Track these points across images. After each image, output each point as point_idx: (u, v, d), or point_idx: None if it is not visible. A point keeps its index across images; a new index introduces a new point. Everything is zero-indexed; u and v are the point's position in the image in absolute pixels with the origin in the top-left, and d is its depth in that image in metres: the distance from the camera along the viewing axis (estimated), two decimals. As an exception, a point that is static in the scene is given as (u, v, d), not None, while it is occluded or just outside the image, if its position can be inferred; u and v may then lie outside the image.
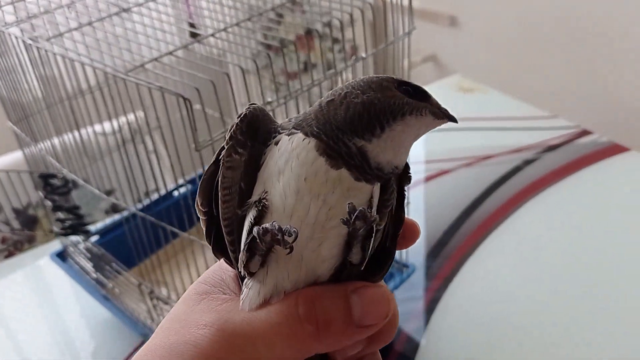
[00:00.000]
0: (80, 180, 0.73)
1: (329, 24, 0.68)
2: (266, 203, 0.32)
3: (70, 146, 0.78)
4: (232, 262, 0.34)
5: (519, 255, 1.05)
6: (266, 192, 0.32)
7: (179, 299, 0.34)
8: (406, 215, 0.35)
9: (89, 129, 0.80)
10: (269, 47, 0.76)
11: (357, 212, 0.30)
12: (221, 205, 0.33)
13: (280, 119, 0.36)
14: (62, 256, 0.98)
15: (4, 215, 1.24)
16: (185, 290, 0.34)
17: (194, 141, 0.52)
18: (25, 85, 0.76)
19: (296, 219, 0.31)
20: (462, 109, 1.49)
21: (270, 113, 0.35)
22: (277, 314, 0.31)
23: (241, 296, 0.32)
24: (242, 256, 0.31)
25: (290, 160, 0.32)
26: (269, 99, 0.58)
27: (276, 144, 0.33)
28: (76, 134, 0.74)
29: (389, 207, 0.34)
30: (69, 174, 0.75)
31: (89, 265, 0.89)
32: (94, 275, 0.88)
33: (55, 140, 0.79)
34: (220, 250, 0.35)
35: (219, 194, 0.33)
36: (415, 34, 0.77)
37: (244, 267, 0.32)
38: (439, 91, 1.57)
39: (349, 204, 0.31)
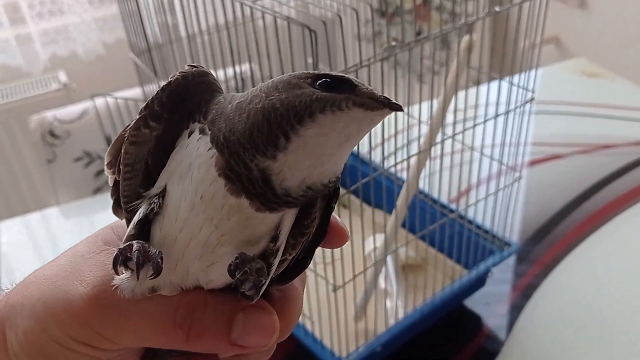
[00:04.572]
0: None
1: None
2: (161, 204, 0.29)
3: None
4: None
5: (631, 253, 0.97)
6: (165, 191, 0.29)
7: None
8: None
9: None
10: (383, 13, 0.73)
11: (241, 273, 0.27)
12: (122, 182, 0.31)
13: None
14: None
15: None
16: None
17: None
18: (149, 27, 0.78)
19: (186, 234, 0.29)
20: (583, 94, 1.40)
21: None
22: (156, 308, 0.30)
23: (127, 272, 0.29)
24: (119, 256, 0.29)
25: (192, 168, 0.29)
26: (394, 43, 0.56)
27: (190, 134, 0.30)
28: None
29: (307, 234, 0.30)
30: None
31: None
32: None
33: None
34: (122, 208, 0.32)
35: (120, 168, 0.31)
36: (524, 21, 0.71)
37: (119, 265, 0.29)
38: (559, 73, 1.49)
39: (236, 256, 0.28)
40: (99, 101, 1.24)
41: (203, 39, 0.73)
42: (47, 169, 1.27)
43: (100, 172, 1.30)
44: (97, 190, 1.31)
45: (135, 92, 1.21)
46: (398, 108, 0.28)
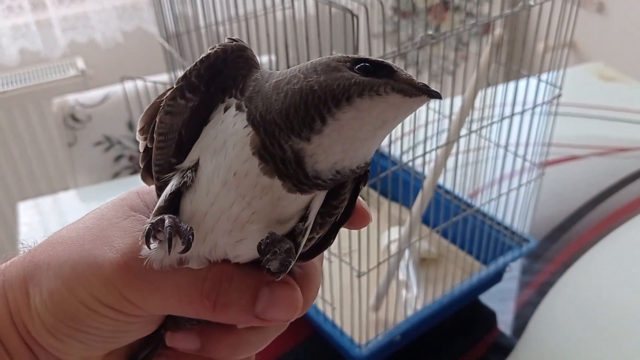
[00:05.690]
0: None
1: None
2: (194, 177, 0.29)
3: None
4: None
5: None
6: (198, 165, 0.29)
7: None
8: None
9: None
10: (400, 11, 0.73)
11: (271, 253, 0.28)
12: (154, 151, 0.31)
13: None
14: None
15: (134, 133, 1.31)
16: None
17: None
18: (179, 11, 0.78)
19: (217, 209, 0.29)
20: (600, 97, 1.41)
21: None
22: (184, 278, 0.30)
23: (155, 243, 0.29)
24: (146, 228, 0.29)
25: (227, 144, 0.28)
26: (430, 31, 0.57)
27: (225, 109, 0.29)
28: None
29: (335, 215, 0.31)
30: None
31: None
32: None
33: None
34: (151, 175, 0.32)
35: (154, 137, 0.31)
36: (555, 18, 0.72)
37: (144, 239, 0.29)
38: (576, 76, 1.50)
39: (267, 235, 0.28)
40: (120, 87, 1.25)
41: (240, 25, 0.74)
42: (68, 152, 1.28)
43: (119, 157, 1.31)
44: (116, 175, 1.32)
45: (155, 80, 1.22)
46: (436, 95, 0.28)
